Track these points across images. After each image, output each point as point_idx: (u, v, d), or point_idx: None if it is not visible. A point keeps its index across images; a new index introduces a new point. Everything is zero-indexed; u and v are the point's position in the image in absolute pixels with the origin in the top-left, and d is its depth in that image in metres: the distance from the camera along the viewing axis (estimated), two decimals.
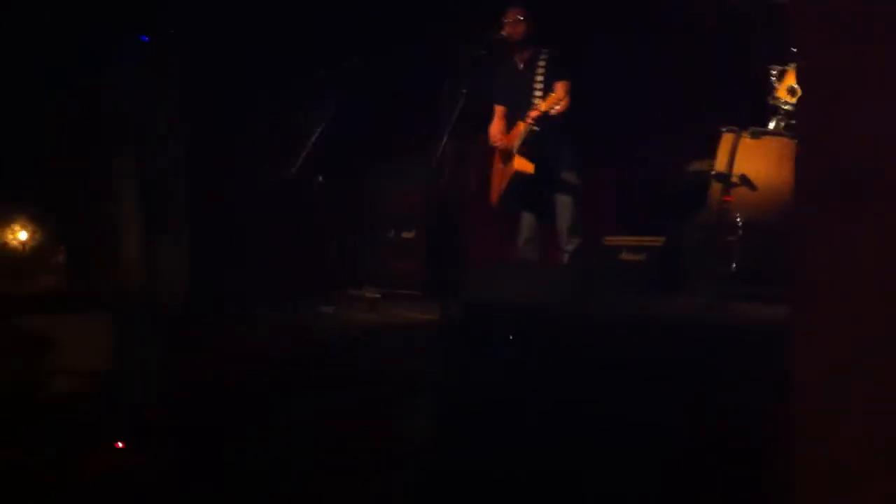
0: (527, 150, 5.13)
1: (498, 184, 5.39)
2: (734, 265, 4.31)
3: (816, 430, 1.74)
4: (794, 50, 3.75)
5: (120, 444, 3.64)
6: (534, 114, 5.04)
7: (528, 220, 5.39)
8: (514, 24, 5.28)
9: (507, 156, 5.26)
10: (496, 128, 5.47)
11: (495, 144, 5.40)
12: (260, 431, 3.60)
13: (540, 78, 5.22)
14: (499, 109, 5.51)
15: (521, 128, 5.15)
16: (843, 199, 1.70)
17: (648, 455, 3.12)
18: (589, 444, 3.25)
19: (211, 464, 3.33)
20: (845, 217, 1.70)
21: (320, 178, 5.73)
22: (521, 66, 5.35)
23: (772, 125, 4.66)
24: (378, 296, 5.64)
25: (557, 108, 4.94)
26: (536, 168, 5.12)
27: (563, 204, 5.21)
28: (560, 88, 5.10)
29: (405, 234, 6.16)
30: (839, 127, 1.75)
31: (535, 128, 5.07)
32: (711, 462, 2.98)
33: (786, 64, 4.59)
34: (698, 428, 3.10)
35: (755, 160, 4.46)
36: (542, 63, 5.25)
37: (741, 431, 2.96)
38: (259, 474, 3.24)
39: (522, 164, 5.13)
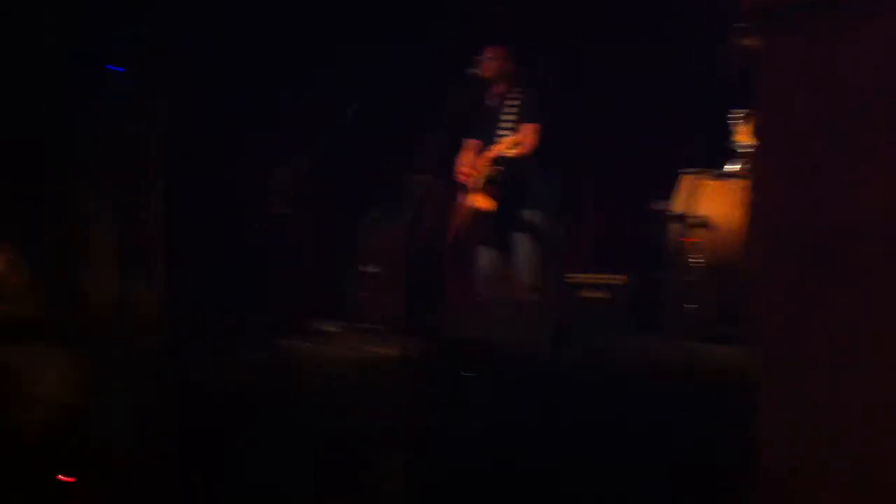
0: (489, 188, 5.16)
1: (458, 219, 5.41)
2: (692, 305, 4.39)
3: (767, 465, 1.79)
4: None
5: (66, 478, 3.61)
6: (491, 154, 5.07)
7: (488, 254, 5.40)
8: (486, 61, 5.32)
9: (471, 191, 5.29)
10: (462, 160, 5.50)
11: (458, 179, 5.43)
12: (225, 469, 3.61)
13: (509, 117, 5.25)
14: (469, 142, 5.55)
15: (484, 166, 5.18)
16: (810, 269, 1.74)
17: (615, 490, 3.17)
18: (553, 484, 3.29)
19: (171, 499, 3.33)
20: (812, 286, 1.74)
21: (289, 213, 5.76)
22: (493, 102, 5.40)
23: (731, 168, 4.76)
24: (339, 330, 5.64)
25: (513, 151, 4.95)
26: (498, 207, 5.15)
27: (523, 246, 5.19)
28: (526, 130, 5.14)
29: (372, 269, 6.18)
30: (806, 196, 1.79)
31: (498, 167, 5.10)
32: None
33: (746, 108, 4.68)
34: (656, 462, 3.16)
35: (714, 202, 4.55)
36: (512, 102, 5.29)
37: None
38: None
39: (483, 202, 5.16)
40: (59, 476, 3.41)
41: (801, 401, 1.69)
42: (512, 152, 4.95)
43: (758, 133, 1.99)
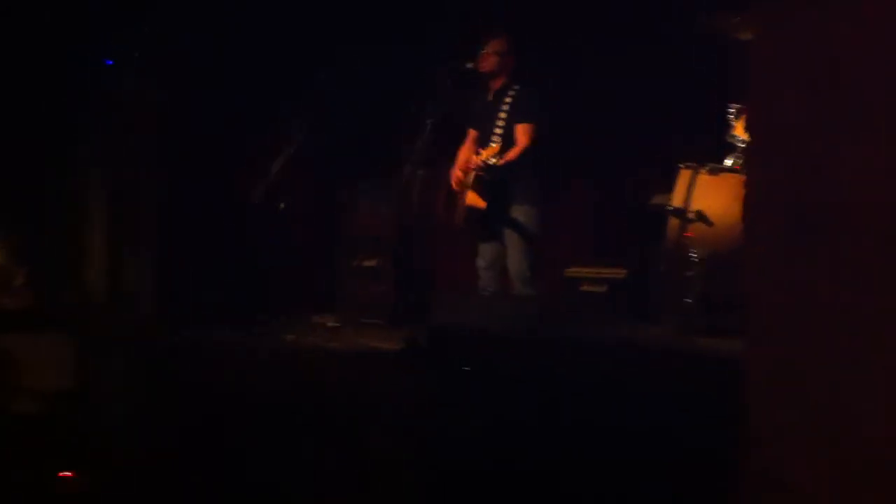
0: (478, 187, 5.16)
1: (451, 214, 5.43)
2: (691, 299, 4.39)
3: (767, 464, 1.80)
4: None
5: (68, 474, 3.62)
6: (477, 160, 5.07)
7: (484, 249, 5.41)
8: (483, 56, 5.30)
9: (464, 187, 5.30)
10: (463, 153, 5.50)
11: (453, 177, 5.42)
12: (220, 460, 3.61)
13: (503, 115, 5.22)
14: (471, 133, 5.53)
15: (473, 165, 5.18)
16: (798, 241, 1.75)
17: (606, 481, 3.18)
18: (551, 473, 3.30)
19: (170, 492, 3.34)
20: (800, 258, 1.75)
21: (282, 205, 5.76)
22: (491, 96, 5.38)
23: (729, 162, 4.76)
24: (339, 324, 5.64)
25: (495, 160, 4.95)
26: (489, 205, 5.15)
27: (513, 245, 5.20)
28: (519, 131, 5.13)
29: (367, 262, 6.16)
30: (794, 170, 1.80)
31: (481, 174, 5.10)
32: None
33: (743, 102, 4.68)
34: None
35: (712, 196, 4.54)
36: (508, 99, 5.25)
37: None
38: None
39: (474, 200, 5.17)
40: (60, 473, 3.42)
41: (801, 401, 1.70)
42: (493, 161, 4.94)
43: (751, 129, 1.99)
